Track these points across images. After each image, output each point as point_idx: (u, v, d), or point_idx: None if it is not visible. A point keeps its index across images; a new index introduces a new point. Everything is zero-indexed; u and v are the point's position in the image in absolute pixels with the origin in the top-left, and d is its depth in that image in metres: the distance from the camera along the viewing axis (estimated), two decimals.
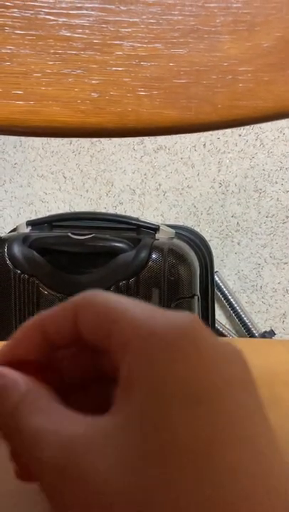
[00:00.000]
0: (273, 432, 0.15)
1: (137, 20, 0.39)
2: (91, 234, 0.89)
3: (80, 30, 0.39)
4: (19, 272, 0.87)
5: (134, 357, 0.16)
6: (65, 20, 0.38)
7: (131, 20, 0.39)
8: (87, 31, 0.39)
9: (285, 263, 1.26)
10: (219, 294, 1.25)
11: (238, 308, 1.24)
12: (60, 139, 1.28)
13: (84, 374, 0.20)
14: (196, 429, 0.14)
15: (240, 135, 1.21)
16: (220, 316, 1.28)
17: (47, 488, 0.15)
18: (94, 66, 0.39)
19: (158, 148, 1.25)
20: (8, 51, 0.38)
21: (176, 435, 0.14)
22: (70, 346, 0.19)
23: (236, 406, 0.15)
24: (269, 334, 1.25)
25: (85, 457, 0.14)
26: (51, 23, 0.38)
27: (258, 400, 0.15)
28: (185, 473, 0.13)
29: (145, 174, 1.26)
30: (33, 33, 0.38)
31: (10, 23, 0.37)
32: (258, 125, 1.19)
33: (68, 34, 0.39)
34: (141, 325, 0.16)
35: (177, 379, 0.15)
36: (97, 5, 0.38)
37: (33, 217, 1.00)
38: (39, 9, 0.37)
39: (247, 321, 1.24)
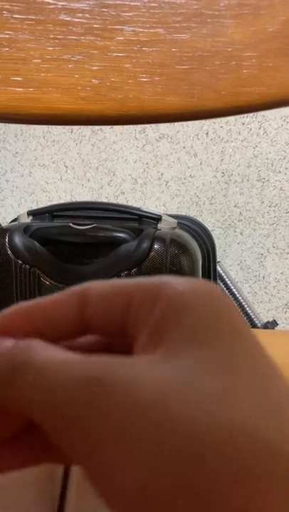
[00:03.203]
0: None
1: (138, 4, 0.38)
2: (92, 224, 0.88)
3: (80, 15, 0.38)
4: (20, 262, 0.87)
5: (166, 301, 0.15)
6: (64, 4, 0.37)
7: (132, 4, 0.38)
8: (87, 15, 0.38)
9: (288, 253, 1.25)
10: (221, 284, 1.25)
11: (240, 298, 1.24)
12: (61, 127, 1.27)
13: None
14: (245, 353, 0.14)
15: (243, 123, 1.19)
16: None
17: (73, 429, 0.12)
18: (94, 52, 0.38)
19: (160, 137, 1.23)
20: (7, 36, 0.37)
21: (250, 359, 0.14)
22: (71, 336, 0.18)
23: (263, 349, 0.15)
24: (271, 324, 1.24)
25: (128, 374, 0.13)
26: (50, 6, 0.37)
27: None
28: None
29: (147, 163, 1.25)
30: (32, 17, 0.37)
31: (8, 6, 0.36)
32: (262, 113, 1.18)
33: (68, 18, 0.38)
34: (168, 282, 0.16)
35: (215, 315, 0.15)
36: None
37: (34, 207, 0.99)
38: None
39: (249, 312, 1.23)
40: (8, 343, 0.15)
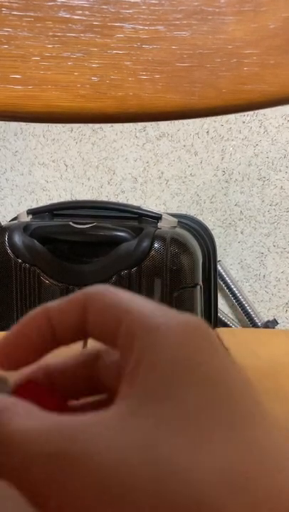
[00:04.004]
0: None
1: (138, 1, 0.38)
2: (92, 223, 0.88)
3: (80, 12, 0.37)
4: (20, 261, 0.86)
5: (141, 347, 0.16)
6: (63, 1, 0.37)
7: (132, 1, 0.38)
8: (86, 13, 0.38)
9: None
10: (222, 283, 1.24)
11: (240, 297, 1.24)
12: (60, 126, 1.26)
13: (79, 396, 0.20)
14: (216, 403, 0.14)
15: (244, 122, 1.19)
16: (222, 305, 1.28)
17: (40, 492, 0.13)
18: (94, 49, 0.38)
19: (160, 136, 1.23)
20: (6, 33, 0.37)
21: (192, 405, 0.14)
22: (71, 341, 0.19)
23: (248, 389, 0.15)
24: (272, 323, 1.24)
25: (90, 441, 0.13)
26: (50, 3, 0.37)
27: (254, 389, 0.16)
28: (213, 438, 0.13)
29: (147, 162, 1.25)
30: (31, 14, 0.37)
31: (7, 3, 0.36)
32: (262, 112, 1.18)
33: (67, 16, 0.37)
34: (149, 318, 0.16)
35: (188, 361, 0.15)
36: None
37: (34, 206, 0.99)
38: None
39: (250, 311, 1.23)
40: None
